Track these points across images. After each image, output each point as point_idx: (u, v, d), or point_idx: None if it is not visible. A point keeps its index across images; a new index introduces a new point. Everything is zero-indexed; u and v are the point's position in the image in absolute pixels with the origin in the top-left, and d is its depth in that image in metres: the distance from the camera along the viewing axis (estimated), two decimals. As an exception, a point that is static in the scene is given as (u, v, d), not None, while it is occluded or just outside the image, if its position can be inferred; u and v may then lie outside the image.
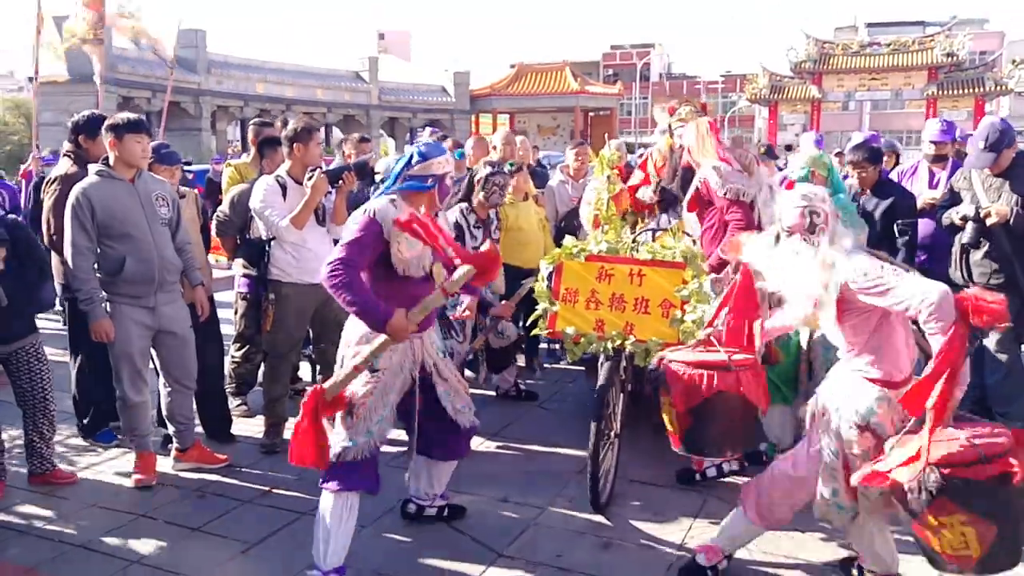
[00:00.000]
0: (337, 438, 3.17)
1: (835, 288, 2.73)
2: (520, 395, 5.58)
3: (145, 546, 3.59)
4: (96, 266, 3.98)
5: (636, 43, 60.99)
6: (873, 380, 2.79)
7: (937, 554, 2.51)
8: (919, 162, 5.78)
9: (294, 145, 4.47)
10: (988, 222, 4.45)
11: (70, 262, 3.94)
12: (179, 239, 4.25)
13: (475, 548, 3.57)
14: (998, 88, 31.64)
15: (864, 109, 40.08)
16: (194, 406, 4.46)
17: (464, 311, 4.39)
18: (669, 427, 3.33)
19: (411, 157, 3.30)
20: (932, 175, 5.53)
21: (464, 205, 5.07)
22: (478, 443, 4.73)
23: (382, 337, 3.06)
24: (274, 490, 4.15)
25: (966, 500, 2.41)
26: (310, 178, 4.28)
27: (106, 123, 3.97)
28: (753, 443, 3.86)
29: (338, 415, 3.16)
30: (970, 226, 4.52)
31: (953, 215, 4.64)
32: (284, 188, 4.44)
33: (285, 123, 4.89)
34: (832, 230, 2.85)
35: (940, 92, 31.98)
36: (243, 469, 4.42)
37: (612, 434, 4.02)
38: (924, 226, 5.08)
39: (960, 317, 2.46)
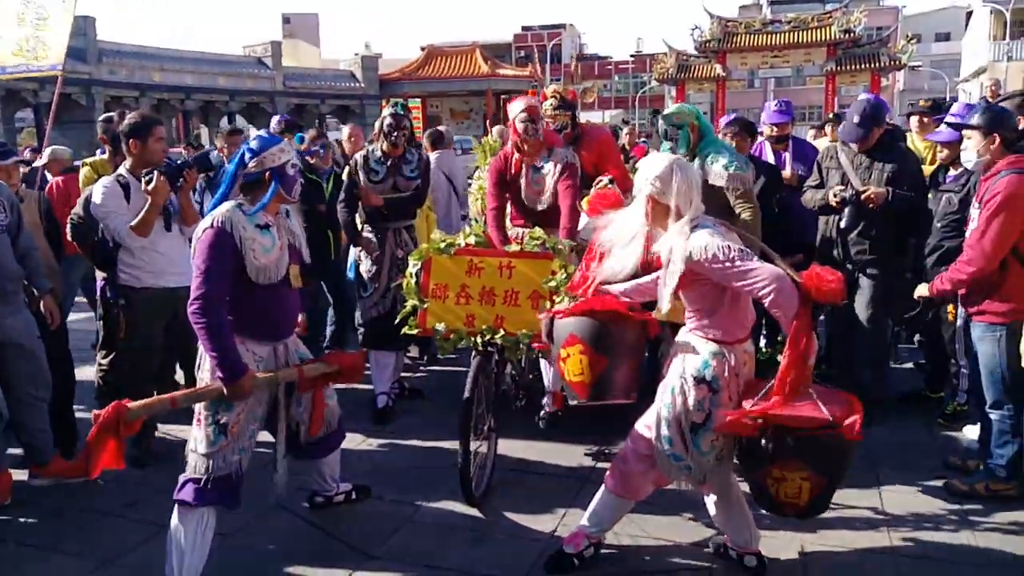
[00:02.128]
0: (204, 452, 3.03)
1: (680, 261, 2.80)
2: (404, 393, 5.49)
3: (-5, 569, 3.38)
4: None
5: (548, 24, 61.10)
6: (711, 338, 2.94)
7: (776, 502, 2.89)
8: (762, 143, 5.95)
9: (130, 141, 4.20)
10: (869, 205, 4.46)
11: None
12: (21, 245, 3.98)
13: (344, 551, 3.48)
14: (892, 63, 32.84)
15: (768, 86, 41.11)
16: (47, 418, 4.20)
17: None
18: (576, 378, 3.11)
19: (243, 155, 3.14)
20: (778, 155, 5.77)
21: (370, 147, 5.23)
22: (359, 440, 4.64)
23: (217, 384, 2.97)
24: (137, 503, 3.97)
25: (809, 457, 2.75)
26: (148, 181, 4.00)
27: None
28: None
29: (207, 432, 3.02)
30: (848, 209, 4.52)
31: (830, 197, 4.62)
32: (127, 188, 4.18)
33: (123, 116, 4.54)
34: (679, 202, 2.86)
35: (838, 68, 33.00)
36: (107, 482, 4.20)
37: (486, 428, 3.98)
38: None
39: (803, 296, 2.67)
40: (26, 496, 4.06)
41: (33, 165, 6.55)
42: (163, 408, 3.05)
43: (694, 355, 2.96)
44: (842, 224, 4.58)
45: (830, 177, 4.78)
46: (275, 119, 6.54)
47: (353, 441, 4.44)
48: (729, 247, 2.75)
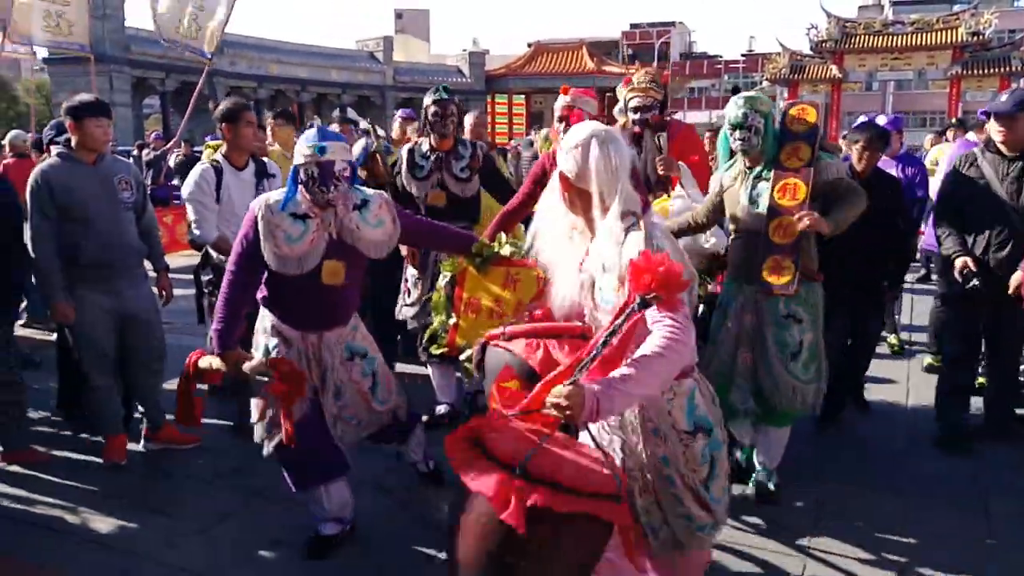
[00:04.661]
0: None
1: (619, 281, 2.21)
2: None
3: (104, 525, 3.63)
4: (58, 250, 3.97)
5: (658, 21, 60.31)
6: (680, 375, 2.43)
7: None
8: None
9: (222, 125, 4.34)
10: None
11: (30, 245, 3.96)
12: (145, 223, 4.25)
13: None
14: (1025, 67, 30.94)
15: (887, 90, 39.43)
16: (161, 387, 4.48)
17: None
18: None
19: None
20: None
21: (420, 140, 4.70)
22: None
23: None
24: (241, 469, 4.17)
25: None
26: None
27: (65, 105, 3.97)
28: None
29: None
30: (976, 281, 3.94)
31: (955, 271, 4.01)
32: (220, 173, 4.34)
33: (217, 104, 4.75)
34: (601, 188, 2.27)
35: (964, 72, 31.29)
36: (211, 449, 4.45)
37: None
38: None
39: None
40: (140, 459, 4.38)
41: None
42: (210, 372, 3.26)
43: (669, 403, 2.35)
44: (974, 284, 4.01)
45: (970, 188, 4.14)
46: (399, 112, 6.79)
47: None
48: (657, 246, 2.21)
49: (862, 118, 5.54)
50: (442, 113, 4.45)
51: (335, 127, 6.92)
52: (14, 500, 3.90)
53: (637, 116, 4.39)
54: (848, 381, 4.84)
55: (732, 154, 3.69)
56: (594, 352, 1.97)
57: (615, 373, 1.95)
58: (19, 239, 4.21)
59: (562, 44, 39.70)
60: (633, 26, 60.98)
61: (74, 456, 4.41)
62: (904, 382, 5.58)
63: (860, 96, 38.20)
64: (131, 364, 4.29)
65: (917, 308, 7.62)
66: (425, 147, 4.61)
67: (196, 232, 4.34)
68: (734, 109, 3.46)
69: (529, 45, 40.23)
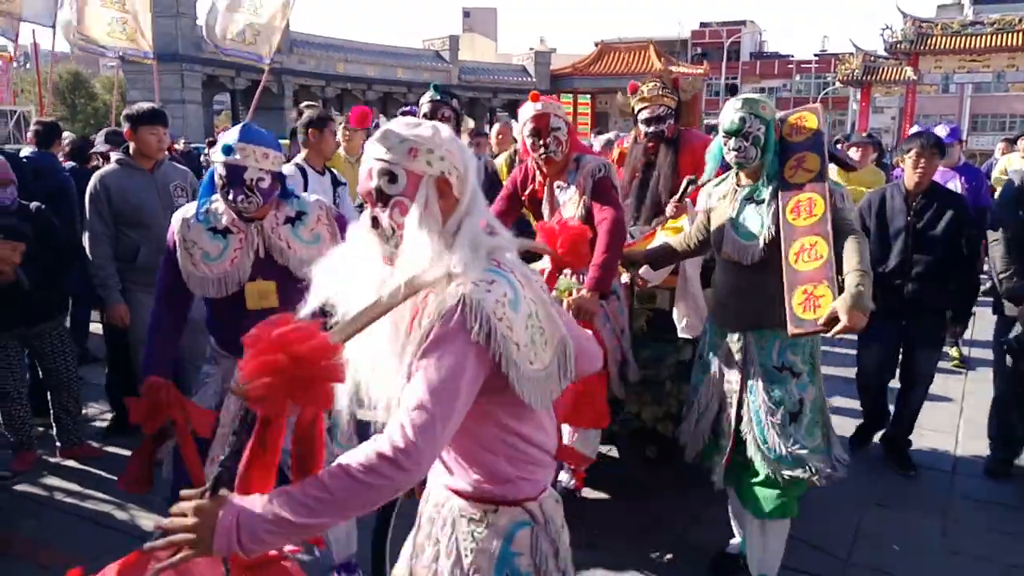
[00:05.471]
0: None
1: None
2: None
3: (150, 522, 3.72)
4: (114, 253, 4.13)
5: (728, 20, 59.37)
6: (497, 499, 1.77)
7: None
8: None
9: (309, 131, 4.45)
10: None
11: (87, 248, 4.12)
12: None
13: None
14: (1115, 70, 29.55)
15: (965, 92, 38.05)
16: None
17: None
18: None
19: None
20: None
21: None
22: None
23: None
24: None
25: None
26: None
27: (123, 113, 4.12)
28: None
29: None
30: None
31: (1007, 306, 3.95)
32: (305, 175, 4.43)
33: (300, 113, 4.87)
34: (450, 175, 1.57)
35: (1048, 74, 30.11)
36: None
37: None
38: None
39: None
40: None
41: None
42: None
43: (472, 536, 1.67)
44: None
45: None
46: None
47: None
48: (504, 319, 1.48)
49: (941, 130, 5.28)
50: (431, 115, 4.03)
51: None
52: (66, 494, 4.06)
53: (650, 129, 3.95)
54: (888, 428, 4.51)
55: (727, 167, 3.11)
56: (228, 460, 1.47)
57: (270, 496, 1.36)
58: (73, 233, 4.35)
59: (629, 43, 39.39)
60: (702, 25, 60.15)
61: (125, 452, 4.55)
62: (959, 401, 5.38)
63: (936, 99, 36.95)
64: (182, 364, 4.40)
65: (980, 323, 7.33)
66: None
67: None
68: (730, 112, 2.90)
69: (596, 44, 40.03)
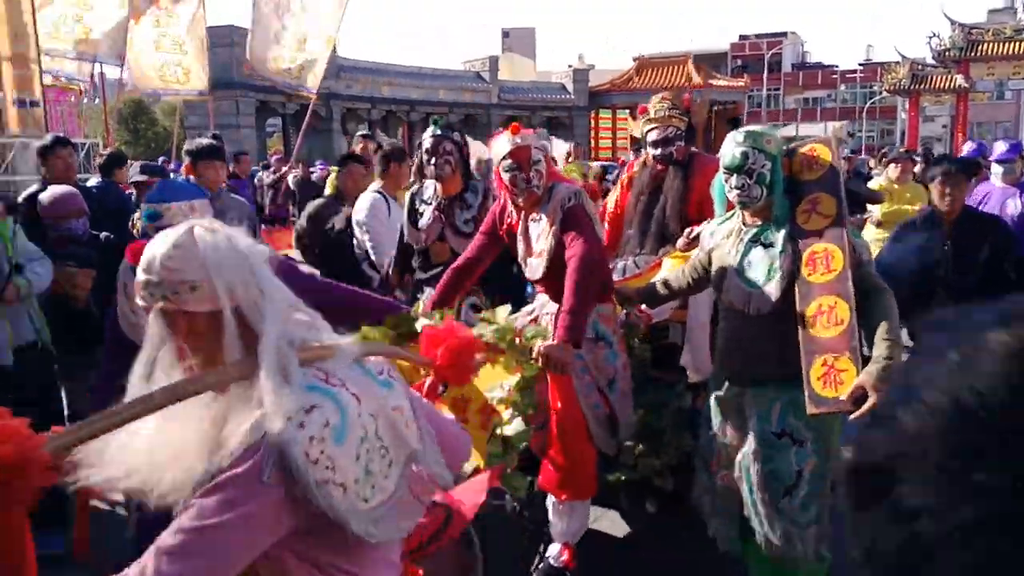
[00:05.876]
0: None
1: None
2: None
3: None
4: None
5: (768, 32, 58.96)
6: None
7: None
8: (991, 187, 5.14)
9: (390, 164, 4.69)
10: None
11: None
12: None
13: None
14: None
15: (1021, 98, 37.24)
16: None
17: None
18: None
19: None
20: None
21: (429, 183, 4.04)
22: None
23: None
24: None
25: None
26: None
27: (184, 148, 4.31)
28: None
29: None
30: None
31: None
32: (388, 203, 4.61)
33: (380, 146, 5.21)
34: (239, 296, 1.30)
35: (1106, 78, 29.30)
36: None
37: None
38: None
39: None
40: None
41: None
42: None
43: None
44: None
45: None
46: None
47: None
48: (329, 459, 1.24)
49: (1001, 146, 5.09)
50: (432, 151, 3.80)
51: (357, 146, 7.11)
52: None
53: (659, 152, 3.82)
54: None
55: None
56: None
57: None
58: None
59: (667, 58, 39.35)
60: (742, 37, 59.83)
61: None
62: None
63: (991, 106, 36.32)
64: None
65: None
66: (430, 192, 3.98)
67: (373, 257, 4.54)
68: (731, 146, 2.62)
69: (634, 60, 40.07)
